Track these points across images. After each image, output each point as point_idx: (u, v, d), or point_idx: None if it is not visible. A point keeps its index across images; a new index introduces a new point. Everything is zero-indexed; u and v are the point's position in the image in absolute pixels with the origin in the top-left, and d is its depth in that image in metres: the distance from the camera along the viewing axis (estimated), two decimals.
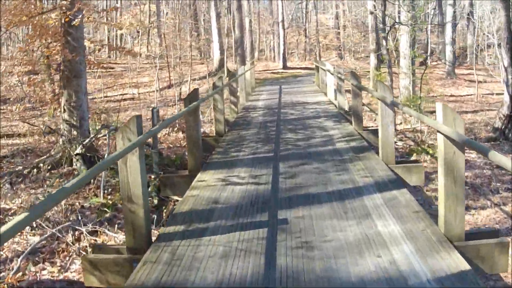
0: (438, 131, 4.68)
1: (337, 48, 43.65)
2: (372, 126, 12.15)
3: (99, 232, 6.80)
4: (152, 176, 8.57)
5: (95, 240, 6.58)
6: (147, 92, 28.10)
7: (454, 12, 26.71)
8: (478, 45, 32.20)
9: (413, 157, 10.77)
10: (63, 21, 9.26)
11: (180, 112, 7.73)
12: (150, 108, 10.73)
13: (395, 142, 12.51)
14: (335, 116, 12.26)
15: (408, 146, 12.21)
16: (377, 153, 7.84)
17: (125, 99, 26.45)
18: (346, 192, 5.91)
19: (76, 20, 9.04)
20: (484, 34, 33.92)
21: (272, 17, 48.03)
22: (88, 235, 6.62)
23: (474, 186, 9.32)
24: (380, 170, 6.81)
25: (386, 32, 14.39)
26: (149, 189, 7.54)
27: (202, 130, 11.55)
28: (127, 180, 4.62)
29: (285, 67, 33.19)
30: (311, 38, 50.87)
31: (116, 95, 28.11)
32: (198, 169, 7.43)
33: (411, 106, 13.07)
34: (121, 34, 41.05)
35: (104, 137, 10.85)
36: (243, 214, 5.29)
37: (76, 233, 6.70)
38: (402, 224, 4.74)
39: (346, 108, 13.79)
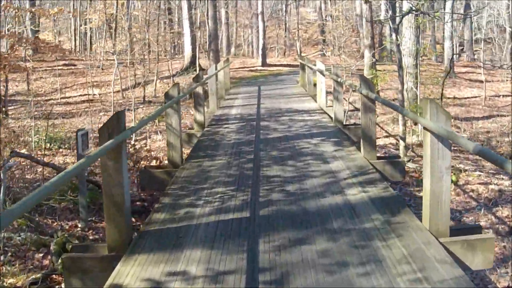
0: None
1: (320, 43, 40.61)
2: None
3: None
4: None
5: None
6: (110, 92, 24.94)
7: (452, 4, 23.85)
8: (476, 40, 29.62)
9: None
10: None
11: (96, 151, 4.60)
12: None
13: (406, 162, 9.67)
14: (333, 134, 9.30)
15: (420, 169, 9.32)
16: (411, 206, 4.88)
17: (83, 101, 23.27)
18: None
19: None
20: (481, 28, 31.37)
21: (251, 9, 44.87)
22: None
23: None
24: (437, 261, 3.87)
25: (397, 22, 11.42)
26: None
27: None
28: None
29: (264, 64, 29.94)
30: (292, 33, 47.96)
31: (76, 96, 24.92)
32: (123, 247, 4.42)
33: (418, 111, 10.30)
34: (90, 29, 37.50)
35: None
36: None
37: None
38: None
39: (344, 121, 10.90)
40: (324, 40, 39.78)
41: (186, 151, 9.28)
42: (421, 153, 9.81)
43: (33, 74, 27.48)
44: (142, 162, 10.00)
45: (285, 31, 46.21)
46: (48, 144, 12.09)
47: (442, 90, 11.44)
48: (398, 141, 11.36)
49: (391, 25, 11.20)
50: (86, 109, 21.21)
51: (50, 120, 16.93)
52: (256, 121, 11.17)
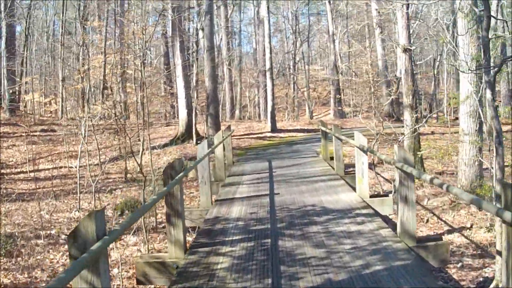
0: None
1: (335, 102, 36.56)
2: None
3: None
4: None
5: None
6: (90, 165, 20.75)
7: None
8: None
9: None
10: None
11: None
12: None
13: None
14: (410, 269, 5.11)
15: None
16: None
17: (54, 176, 19.04)
18: None
19: None
20: None
21: (257, 67, 41.10)
22: None
23: None
24: None
25: (495, 70, 7.22)
26: None
27: None
28: None
29: (274, 129, 25.42)
30: (301, 91, 44.21)
31: (49, 169, 20.71)
32: None
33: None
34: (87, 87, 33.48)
35: None
36: None
37: None
38: None
39: (415, 233, 6.67)
40: (339, 100, 35.73)
41: None
42: None
43: (5, 141, 23.44)
44: None
45: (294, 90, 42.37)
46: None
47: None
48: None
49: (485, 78, 6.94)
50: (56, 188, 17.02)
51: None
52: (271, 239, 6.79)
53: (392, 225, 8.84)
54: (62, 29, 32.95)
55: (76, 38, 34.36)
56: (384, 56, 33.08)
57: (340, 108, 36.08)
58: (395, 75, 31.54)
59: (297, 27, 42.15)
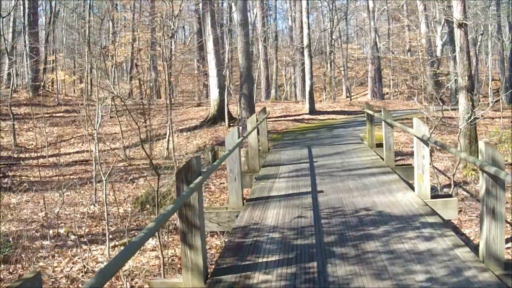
0: None
1: (374, 82, 34.60)
2: None
3: None
4: None
5: None
6: (115, 149, 19.51)
7: None
8: None
9: None
10: None
11: None
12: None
13: None
14: None
15: None
16: None
17: (76, 162, 17.82)
18: None
19: None
20: None
21: (293, 45, 39.20)
22: None
23: None
24: None
25: None
26: None
27: None
28: None
29: (312, 111, 23.52)
30: (338, 71, 42.31)
31: (70, 153, 19.48)
32: None
33: None
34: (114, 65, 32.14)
35: None
36: None
37: None
38: None
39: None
40: (380, 80, 33.76)
41: None
42: None
43: (26, 123, 22.31)
44: None
45: (331, 69, 40.43)
46: None
47: None
48: None
49: None
50: (75, 175, 15.78)
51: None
52: (318, 262, 5.18)
53: (459, 234, 7.29)
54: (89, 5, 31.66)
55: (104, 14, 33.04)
56: (428, 34, 30.94)
57: (380, 88, 34.11)
58: (436, 54, 29.57)
59: (334, 4, 40.12)
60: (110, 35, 32.61)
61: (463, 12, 13.05)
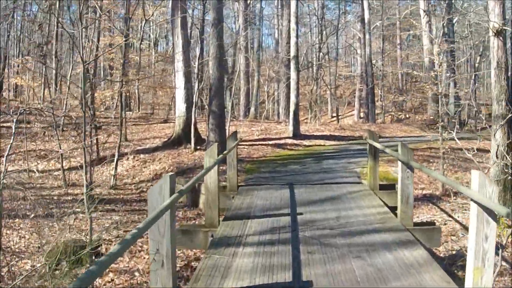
0: None
1: (366, 103, 31.55)
2: None
3: None
4: None
5: None
6: (55, 169, 16.22)
7: None
8: None
9: None
10: None
11: None
12: None
13: None
14: None
15: None
16: None
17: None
18: None
19: None
20: None
21: (278, 57, 35.92)
22: None
23: None
24: None
25: None
26: None
27: None
28: None
29: (296, 135, 19.92)
30: (323, 89, 39.25)
31: (7, 172, 16.00)
32: None
33: None
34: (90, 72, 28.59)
35: None
36: None
37: None
38: None
39: None
40: (372, 100, 30.68)
41: None
42: None
43: None
44: None
45: (318, 87, 37.17)
46: None
47: None
48: None
49: None
50: None
51: None
52: None
53: None
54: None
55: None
56: (432, 50, 27.96)
57: (370, 110, 31.03)
58: (435, 73, 26.51)
59: (323, 20, 36.94)
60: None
61: (502, 16, 9.90)
